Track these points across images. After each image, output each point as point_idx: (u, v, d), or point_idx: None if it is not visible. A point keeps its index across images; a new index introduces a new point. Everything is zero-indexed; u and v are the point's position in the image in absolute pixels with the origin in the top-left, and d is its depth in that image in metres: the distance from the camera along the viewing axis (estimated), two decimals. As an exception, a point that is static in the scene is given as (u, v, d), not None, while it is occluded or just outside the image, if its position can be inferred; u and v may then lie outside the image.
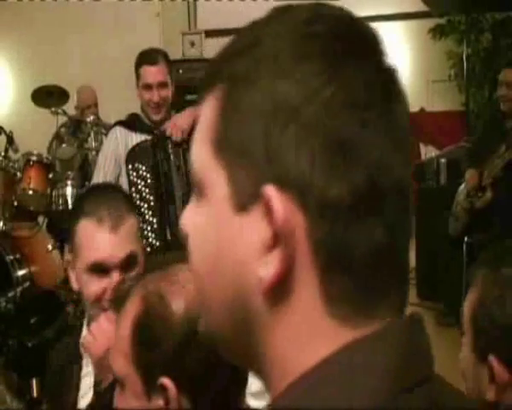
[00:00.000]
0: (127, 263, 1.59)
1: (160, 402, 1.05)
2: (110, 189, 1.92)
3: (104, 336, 1.49)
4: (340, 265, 0.52)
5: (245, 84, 0.53)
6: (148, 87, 3.20)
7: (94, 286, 1.59)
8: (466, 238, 4.57)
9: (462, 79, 6.11)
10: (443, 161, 5.48)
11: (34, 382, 3.00)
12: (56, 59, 5.93)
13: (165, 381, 1.04)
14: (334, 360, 0.51)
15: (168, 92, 3.23)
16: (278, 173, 0.52)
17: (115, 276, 1.57)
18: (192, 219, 0.58)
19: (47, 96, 5.13)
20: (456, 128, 6.13)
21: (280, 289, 0.52)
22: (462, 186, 4.68)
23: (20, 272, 3.75)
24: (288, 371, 0.52)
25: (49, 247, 3.84)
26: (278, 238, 0.51)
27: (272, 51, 0.53)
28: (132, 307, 1.09)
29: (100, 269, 1.59)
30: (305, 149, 0.51)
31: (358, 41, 0.55)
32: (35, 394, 2.99)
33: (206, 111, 0.57)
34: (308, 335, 0.52)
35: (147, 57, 3.25)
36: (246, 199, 0.53)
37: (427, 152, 6.27)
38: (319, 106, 0.51)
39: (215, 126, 0.55)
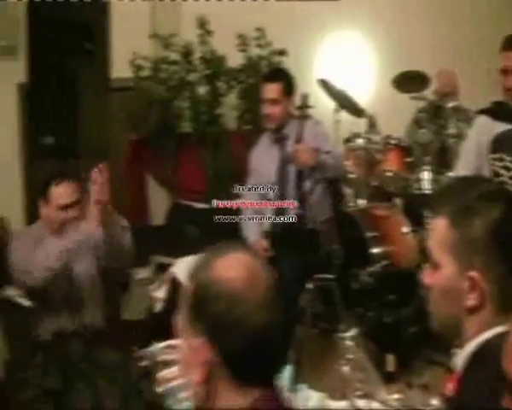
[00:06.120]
0: None
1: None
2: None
3: None
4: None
5: None
6: (505, 73, 3.07)
7: None
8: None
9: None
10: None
11: (390, 357, 3.16)
12: (421, 44, 6.01)
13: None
14: None
15: None
16: None
17: None
18: None
19: (408, 82, 5.23)
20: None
21: None
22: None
23: (377, 250, 3.93)
24: None
25: (405, 229, 3.96)
26: None
27: None
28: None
29: None
30: None
31: None
32: (390, 368, 3.15)
33: None
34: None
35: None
36: None
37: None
38: None
39: None
